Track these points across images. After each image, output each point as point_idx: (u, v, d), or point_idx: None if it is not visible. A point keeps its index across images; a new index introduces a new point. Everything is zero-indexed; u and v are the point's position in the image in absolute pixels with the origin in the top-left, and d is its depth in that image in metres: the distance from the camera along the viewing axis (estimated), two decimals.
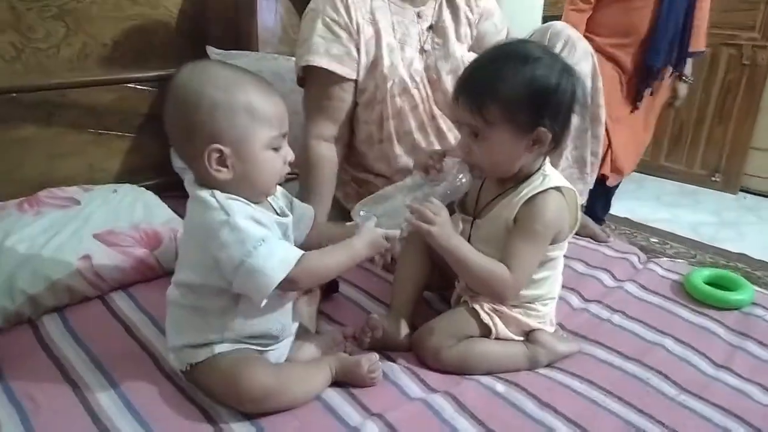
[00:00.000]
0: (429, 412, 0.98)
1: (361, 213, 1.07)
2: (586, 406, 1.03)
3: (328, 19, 1.39)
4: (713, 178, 3.37)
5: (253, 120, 0.91)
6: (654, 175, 3.50)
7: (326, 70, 1.39)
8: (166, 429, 0.92)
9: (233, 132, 0.90)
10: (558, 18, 1.94)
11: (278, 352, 1.02)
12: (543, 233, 1.07)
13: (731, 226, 2.92)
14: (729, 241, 2.71)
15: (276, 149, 0.95)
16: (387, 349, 1.14)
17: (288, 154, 0.97)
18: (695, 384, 1.11)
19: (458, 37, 1.52)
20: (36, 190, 1.54)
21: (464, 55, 1.49)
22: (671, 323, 1.31)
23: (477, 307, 1.11)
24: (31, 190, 1.55)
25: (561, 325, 1.26)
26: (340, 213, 1.50)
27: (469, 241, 1.09)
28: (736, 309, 1.37)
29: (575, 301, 1.38)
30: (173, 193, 1.58)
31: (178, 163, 1.81)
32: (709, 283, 1.43)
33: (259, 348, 0.99)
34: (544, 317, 1.17)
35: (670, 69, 2.28)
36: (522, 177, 1.10)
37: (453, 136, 1.49)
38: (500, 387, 1.06)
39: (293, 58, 1.49)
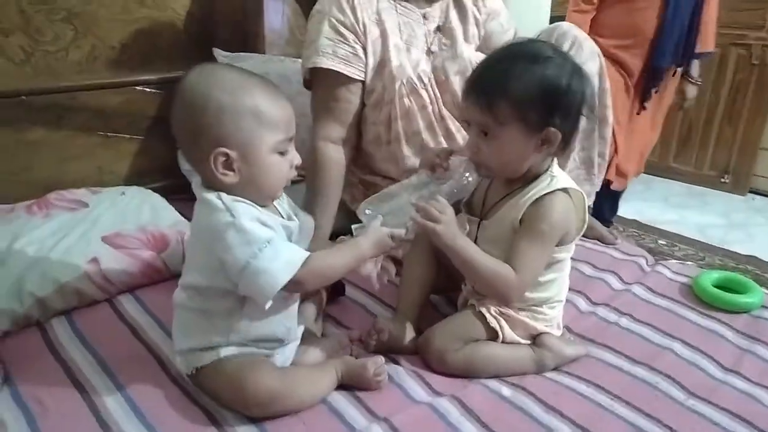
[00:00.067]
0: (435, 416, 0.97)
1: (367, 212, 1.07)
2: (593, 410, 1.02)
3: (334, 21, 1.39)
4: (722, 180, 3.35)
5: (260, 124, 0.91)
6: (662, 177, 3.49)
7: (333, 71, 1.39)
8: None
9: (240, 135, 0.90)
10: (564, 18, 1.93)
11: (284, 356, 1.02)
12: (549, 234, 1.06)
13: (740, 228, 2.90)
14: (738, 243, 2.69)
15: (282, 153, 0.95)
16: (393, 352, 1.14)
17: (295, 158, 0.97)
18: (704, 388, 1.10)
19: (466, 38, 1.52)
20: (45, 193, 1.55)
21: (472, 56, 1.49)
22: (680, 326, 1.30)
23: (483, 310, 1.11)
24: (40, 192, 1.56)
25: (568, 328, 1.25)
26: (347, 215, 1.50)
27: (475, 242, 1.09)
28: (745, 312, 1.36)
29: (582, 304, 1.37)
30: (181, 195, 1.59)
31: (185, 166, 1.82)
32: (717, 286, 1.42)
33: (265, 351, 0.99)
34: (551, 320, 1.16)
35: (676, 68, 2.26)
36: (530, 178, 1.09)
37: (461, 136, 1.49)
38: (506, 391, 1.05)
39: (300, 60, 1.49)
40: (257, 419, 0.94)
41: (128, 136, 1.87)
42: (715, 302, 1.38)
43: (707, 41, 2.25)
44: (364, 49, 1.42)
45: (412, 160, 1.48)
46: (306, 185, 1.44)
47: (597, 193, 1.77)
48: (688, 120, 3.36)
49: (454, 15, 1.51)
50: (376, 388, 1.03)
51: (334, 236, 1.39)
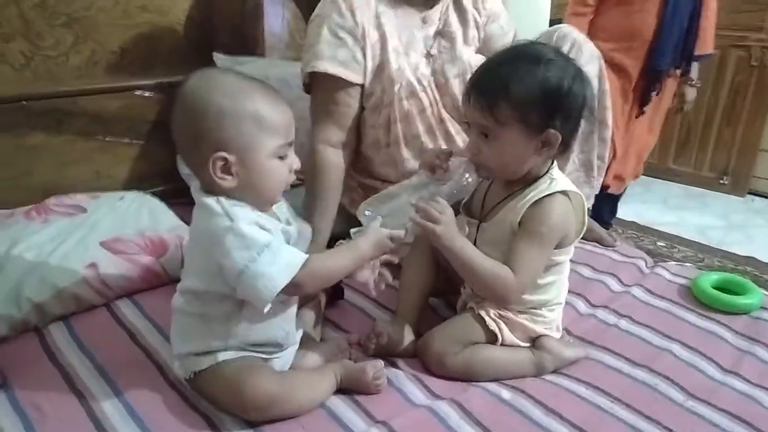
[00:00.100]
0: (434, 419, 0.97)
1: (366, 213, 1.07)
2: (592, 412, 1.02)
3: (333, 25, 1.40)
4: (721, 181, 3.35)
5: (260, 128, 0.91)
6: (661, 178, 3.48)
7: (332, 75, 1.39)
8: None
9: (240, 140, 0.90)
10: (563, 22, 1.93)
11: (282, 360, 1.02)
12: (548, 236, 1.06)
13: (739, 230, 2.90)
14: (737, 244, 2.69)
15: (282, 158, 0.95)
16: (392, 355, 1.14)
17: (294, 162, 0.97)
18: (703, 389, 1.10)
19: (465, 41, 1.52)
20: (44, 198, 1.55)
21: (471, 58, 1.49)
22: (679, 328, 1.30)
23: (483, 313, 1.11)
24: (40, 197, 1.56)
25: (567, 331, 1.25)
26: (347, 219, 1.50)
27: (474, 244, 1.09)
28: (744, 313, 1.36)
29: (582, 306, 1.37)
30: (180, 200, 1.58)
31: (184, 170, 1.82)
32: (717, 288, 1.42)
33: (264, 356, 0.99)
34: (551, 323, 1.16)
35: (674, 70, 2.26)
36: (529, 180, 1.10)
37: (461, 139, 1.49)
38: (506, 394, 1.05)
39: (300, 64, 1.50)
40: (256, 423, 0.94)
41: (128, 140, 1.87)
42: (714, 304, 1.38)
43: (706, 43, 2.25)
44: (363, 52, 1.42)
45: (412, 163, 1.48)
46: (305, 189, 1.44)
47: (596, 195, 1.77)
48: (687, 121, 3.36)
49: (453, 18, 1.51)
50: (375, 392, 1.03)
51: (333, 240, 1.38)
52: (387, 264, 1.32)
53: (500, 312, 1.12)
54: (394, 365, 1.12)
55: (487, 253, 1.06)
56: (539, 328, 1.14)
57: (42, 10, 1.68)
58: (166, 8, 1.91)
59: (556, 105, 1.02)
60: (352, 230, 1.06)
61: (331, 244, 1.35)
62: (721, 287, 1.43)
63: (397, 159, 1.49)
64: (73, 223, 1.43)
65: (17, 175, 1.68)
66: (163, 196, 1.68)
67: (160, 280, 1.36)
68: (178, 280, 1.03)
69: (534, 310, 1.14)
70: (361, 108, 1.47)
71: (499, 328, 1.10)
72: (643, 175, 2.48)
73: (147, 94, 1.86)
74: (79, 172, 1.78)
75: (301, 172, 1.04)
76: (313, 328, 1.18)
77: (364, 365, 1.03)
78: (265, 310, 0.91)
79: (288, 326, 1.02)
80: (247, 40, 2.09)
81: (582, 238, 1.16)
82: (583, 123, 1.10)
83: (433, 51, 1.48)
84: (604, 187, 2.21)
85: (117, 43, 1.84)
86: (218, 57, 1.95)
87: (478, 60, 1.48)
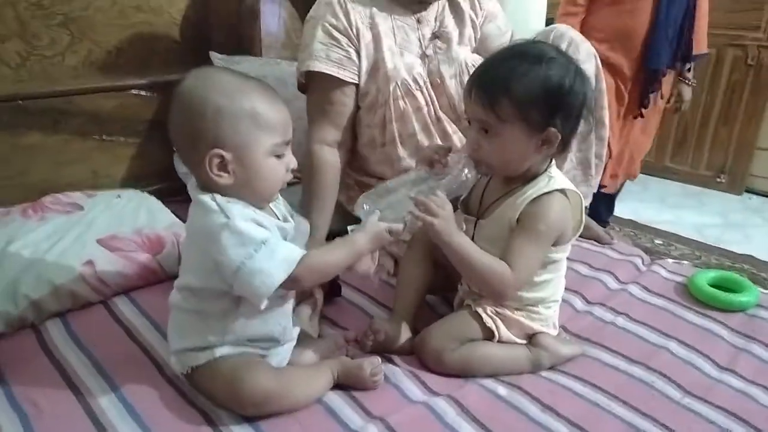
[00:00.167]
0: (431, 416, 0.97)
1: (364, 206, 1.07)
2: (588, 409, 1.02)
3: (327, 25, 1.40)
4: (718, 179, 3.35)
5: (257, 127, 0.91)
6: (658, 177, 3.49)
7: (327, 75, 1.40)
8: None
9: (236, 138, 0.90)
10: None
11: (280, 357, 1.02)
12: (546, 234, 1.07)
13: (736, 228, 2.90)
14: (734, 242, 2.69)
15: (279, 156, 0.95)
16: (389, 352, 1.14)
17: (291, 161, 0.97)
18: (699, 387, 1.10)
19: (461, 40, 1.52)
20: (41, 197, 1.55)
21: (468, 58, 1.49)
22: (675, 326, 1.30)
23: (480, 310, 1.11)
24: (36, 196, 1.56)
25: (564, 328, 1.25)
26: (344, 217, 1.50)
27: (472, 241, 1.09)
28: (740, 311, 1.36)
29: (578, 303, 1.37)
30: (177, 198, 1.59)
31: (181, 168, 1.82)
32: (713, 285, 1.42)
33: (261, 351, 0.99)
34: (547, 320, 1.16)
35: (670, 70, 2.26)
36: (528, 178, 1.10)
37: (458, 138, 1.49)
38: (502, 390, 1.06)
39: (297, 63, 1.50)
40: (253, 419, 0.94)
41: (124, 140, 1.87)
42: (711, 301, 1.38)
43: (700, 43, 2.25)
44: (358, 52, 1.42)
45: (408, 161, 1.48)
46: (302, 188, 1.44)
47: (593, 193, 1.78)
48: (684, 120, 3.36)
49: (449, 18, 1.51)
50: (372, 388, 1.03)
51: (330, 238, 1.38)
52: (389, 254, 1.32)
53: (497, 309, 1.12)
54: (391, 362, 1.12)
55: (485, 250, 1.06)
56: (536, 326, 1.14)
57: (38, 11, 1.68)
58: (162, 8, 1.91)
59: (557, 104, 1.02)
60: (350, 227, 1.06)
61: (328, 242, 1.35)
62: (717, 285, 1.43)
63: (393, 158, 1.49)
64: (70, 220, 1.43)
65: (14, 174, 1.68)
66: (160, 195, 1.69)
67: (156, 277, 1.36)
68: (174, 277, 1.03)
69: (531, 308, 1.14)
70: (357, 107, 1.47)
71: (496, 325, 1.11)
72: (640, 173, 2.48)
73: (143, 93, 1.85)
74: (76, 171, 1.78)
75: (297, 171, 1.04)
76: (310, 323, 1.18)
77: (361, 362, 1.03)
78: (262, 306, 0.92)
79: (285, 321, 1.02)
80: (243, 40, 2.09)
81: (579, 236, 1.16)
82: (581, 122, 1.10)
83: (429, 52, 1.48)
84: (601, 187, 2.20)
85: (113, 43, 1.84)
86: (215, 56, 1.95)
87: (474, 60, 1.48)
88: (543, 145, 1.05)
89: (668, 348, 1.22)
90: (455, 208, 1.12)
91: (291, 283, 0.91)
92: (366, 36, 1.42)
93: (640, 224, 2.82)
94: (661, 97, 2.29)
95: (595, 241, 1.76)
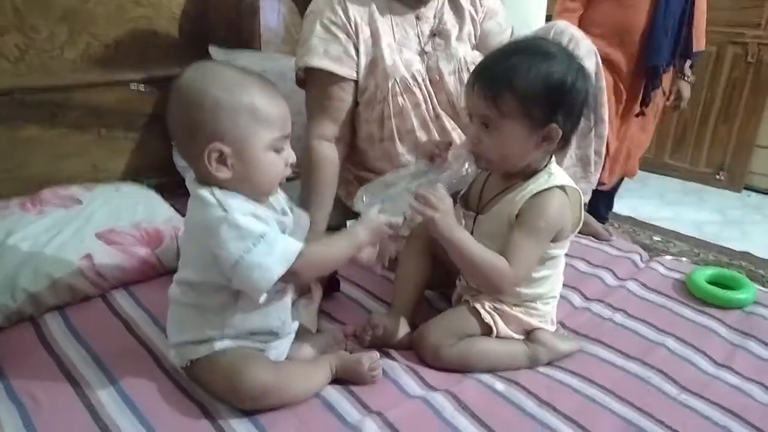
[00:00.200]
0: (429, 411, 0.98)
1: (364, 199, 1.06)
2: (585, 404, 1.03)
3: (326, 21, 1.40)
4: (717, 176, 3.36)
5: (256, 121, 0.91)
6: (658, 173, 3.49)
7: (325, 70, 1.40)
8: (165, 426, 0.92)
9: (235, 132, 0.90)
10: None
11: (278, 350, 1.03)
12: (545, 229, 1.07)
13: (735, 225, 2.91)
14: (733, 239, 2.70)
15: (278, 151, 0.94)
16: (387, 347, 1.14)
17: (290, 156, 0.97)
18: (696, 383, 1.11)
19: (461, 36, 1.52)
20: (39, 190, 1.55)
21: (467, 55, 1.49)
22: (673, 322, 1.31)
23: (478, 305, 1.11)
24: (34, 189, 1.55)
25: (562, 324, 1.25)
26: (342, 212, 1.50)
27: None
28: (738, 308, 1.37)
29: (577, 299, 1.37)
30: (176, 192, 1.58)
31: (180, 162, 1.82)
32: (711, 282, 1.43)
33: (260, 345, 0.99)
34: (545, 316, 1.17)
35: (669, 67, 2.26)
36: (528, 173, 1.10)
37: (457, 135, 1.49)
38: (500, 385, 1.06)
39: (295, 58, 1.50)
40: (251, 412, 0.94)
41: (123, 133, 1.87)
42: (708, 298, 1.38)
43: (699, 40, 2.25)
44: (356, 48, 1.42)
45: (407, 157, 1.48)
46: (301, 183, 1.44)
47: (592, 190, 1.78)
48: (683, 117, 3.37)
49: (449, 15, 1.51)
50: (370, 383, 1.03)
51: (329, 232, 1.39)
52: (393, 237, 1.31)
53: (495, 305, 1.12)
54: (390, 357, 1.12)
55: (484, 245, 1.06)
56: (534, 321, 1.14)
57: (37, 4, 1.68)
58: (161, 2, 1.90)
59: (559, 100, 1.02)
60: (349, 222, 1.06)
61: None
62: (715, 282, 1.44)
63: (392, 153, 1.49)
64: (69, 214, 1.43)
65: (12, 167, 1.68)
66: (158, 189, 1.68)
67: (155, 271, 1.36)
68: (173, 271, 1.03)
69: (529, 303, 1.14)
70: (356, 103, 1.47)
71: (494, 321, 1.11)
72: (639, 170, 2.48)
73: (142, 87, 1.85)
74: (75, 164, 1.78)
75: (296, 166, 1.04)
76: (309, 318, 1.18)
77: (359, 356, 1.03)
78: (261, 300, 0.92)
79: (284, 315, 1.02)
80: (243, 35, 2.09)
81: (578, 233, 1.17)
82: (582, 119, 1.10)
83: (428, 48, 1.48)
84: (599, 184, 2.20)
85: (112, 37, 1.83)
86: (214, 51, 1.95)
87: (473, 57, 1.48)
88: (543, 141, 1.05)
89: (665, 344, 1.22)
90: (454, 203, 1.12)
91: (290, 276, 0.91)
92: (365, 32, 1.42)
93: (639, 221, 2.82)
94: (663, 94, 2.29)
95: (593, 237, 1.76)
